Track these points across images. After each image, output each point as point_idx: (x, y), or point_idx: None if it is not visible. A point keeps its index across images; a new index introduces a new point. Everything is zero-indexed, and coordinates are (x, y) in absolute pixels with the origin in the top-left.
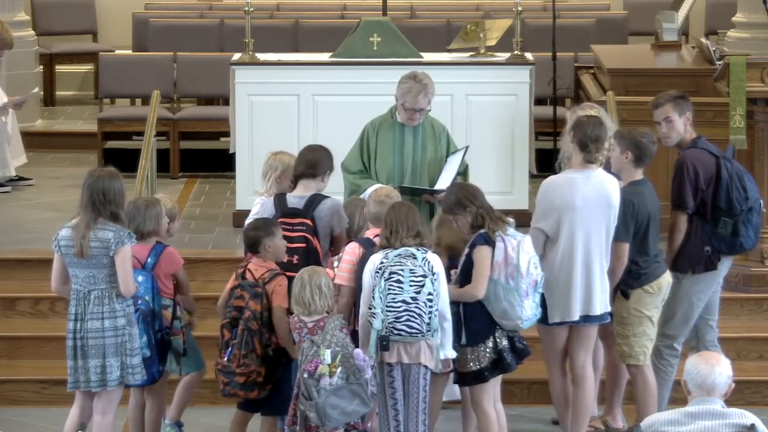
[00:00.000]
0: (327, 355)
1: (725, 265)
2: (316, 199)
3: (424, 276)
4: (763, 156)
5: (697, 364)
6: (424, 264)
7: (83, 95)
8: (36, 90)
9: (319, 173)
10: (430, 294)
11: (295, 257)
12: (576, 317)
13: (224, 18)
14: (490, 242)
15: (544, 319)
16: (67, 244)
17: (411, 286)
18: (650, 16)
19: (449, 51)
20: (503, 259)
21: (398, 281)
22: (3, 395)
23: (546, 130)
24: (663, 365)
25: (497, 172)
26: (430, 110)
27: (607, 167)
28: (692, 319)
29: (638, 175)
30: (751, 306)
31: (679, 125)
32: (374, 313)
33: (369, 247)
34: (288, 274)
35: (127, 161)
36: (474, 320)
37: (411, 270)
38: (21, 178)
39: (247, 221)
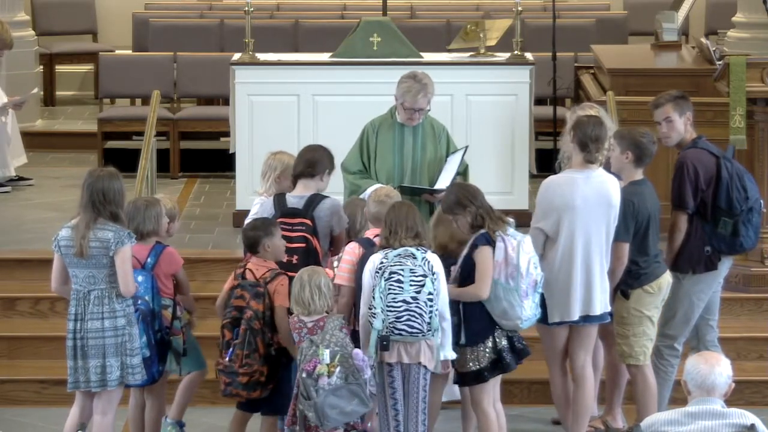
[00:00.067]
0: (326, 354)
1: (725, 265)
2: (315, 199)
3: (425, 276)
4: (763, 156)
5: (697, 364)
6: (424, 264)
7: (83, 95)
8: (35, 90)
9: (318, 172)
10: (430, 294)
11: (295, 257)
12: (576, 317)
13: (224, 18)
14: (492, 242)
15: (544, 319)
16: (66, 244)
17: (411, 285)
18: (650, 16)
19: (449, 51)
20: (503, 259)
21: (398, 281)
22: (3, 395)
23: (546, 130)
24: (663, 365)
25: (497, 172)
26: (429, 110)
27: (607, 167)
28: (693, 320)
29: (638, 175)
30: (751, 306)
31: (680, 125)
32: (374, 313)
33: (369, 247)
34: (288, 274)
35: (127, 161)
36: (474, 320)
37: (411, 270)
38: (21, 178)
39: (247, 221)
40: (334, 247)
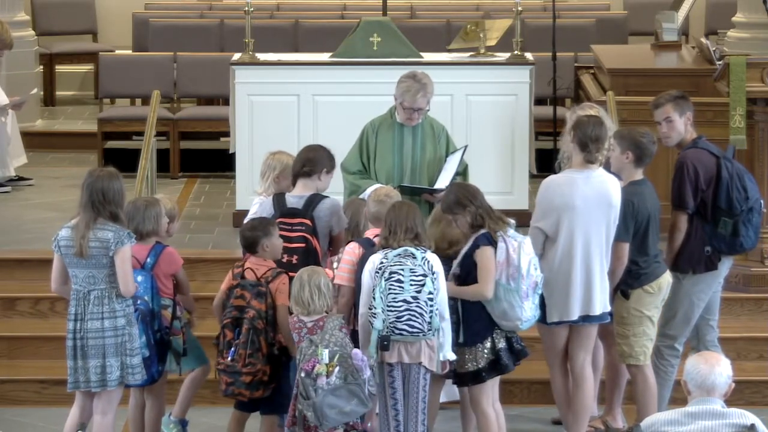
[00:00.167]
0: (325, 354)
1: (726, 265)
2: (315, 199)
3: (425, 275)
4: (763, 156)
5: (697, 364)
6: (424, 263)
7: (83, 95)
8: (35, 91)
9: (316, 171)
10: (430, 293)
11: (295, 257)
12: (575, 317)
13: (224, 18)
14: (493, 242)
15: (544, 319)
16: (66, 244)
17: (411, 285)
18: (650, 16)
19: (449, 51)
20: (504, 260)
21: (399, 281)
22: (3, 395)
23: (546, 130)
24: (663, 365)
25: (497, 172)
26: (428, 110)
27: (607, 167)
28: (693, 320)
29: (638, 175)
30: (751, 306)
31: (680, 125)
32: (375, 314)
33: (369, 247)
34: (288, 274)
35: (127, 161)
36: (473, 320)
37: (411, 269)
38: (21, 178)
39: (245, 221)
40: (334, 247)
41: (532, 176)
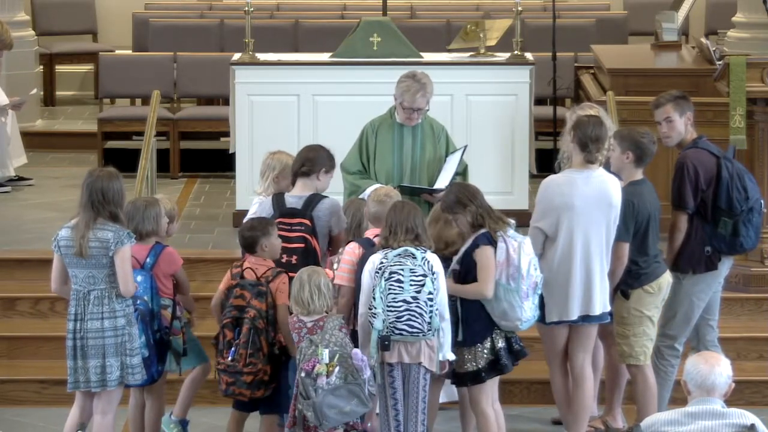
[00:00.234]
0: (325, 354)
1: (726, 265)
2: (314, 199)
3: (424, 275)
4: (763, 156)
5: (697, 364)
6: (424, 263)
7: (83, 95)
8: (35, 91)
9: (315, 170)
10: (430, 293)
11: (294, 257)
12: (574, 317)
13: (224, 18)
14: (493, 242)
15: (543, 319)
16: (66, 244)
17: (411, 285)
18: (650, 16)
19: (449, 51)
20: (505, 260)
21: (398, 281)
22: (3, 395)
23: (546, 130)
24: (664, 365)
25: (497, 172)
26: (428, 110)
27: (607, 167)
28: (693, 320)
29: (638, 175)
30: (751, 306)
31: (680, 125)
32: (375, 314)
33: (369, 247)
34: (288, 274)
35: (127, 161)
36: (473, 320)
37: (411, 269)
38: (21, 178)
39: (245, 221)
40: (333, 247)
41: (532, 176)
